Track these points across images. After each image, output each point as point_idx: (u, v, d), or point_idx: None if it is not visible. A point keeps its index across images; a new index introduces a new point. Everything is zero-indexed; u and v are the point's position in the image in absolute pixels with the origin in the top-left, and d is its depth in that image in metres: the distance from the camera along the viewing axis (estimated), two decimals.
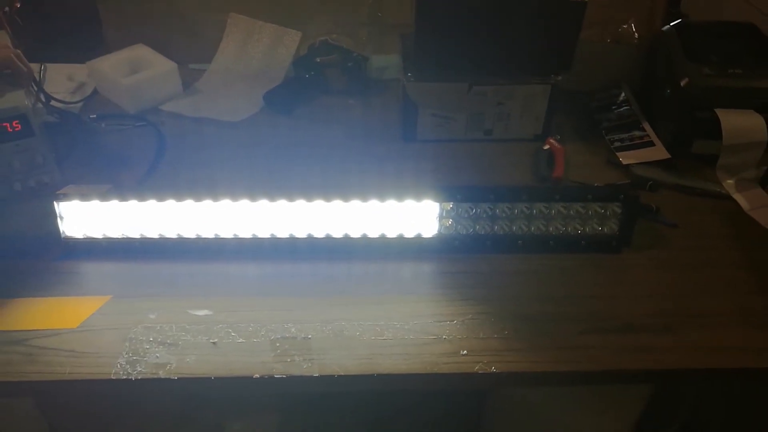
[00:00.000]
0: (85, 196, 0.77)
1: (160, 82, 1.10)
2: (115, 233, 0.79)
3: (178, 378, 0.65)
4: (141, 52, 1.13)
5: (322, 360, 0.66)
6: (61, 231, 0.79)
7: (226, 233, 0.79)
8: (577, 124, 1.06)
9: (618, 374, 0.68)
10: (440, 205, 0.78)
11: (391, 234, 0.79)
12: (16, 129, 0.83)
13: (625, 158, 0.96)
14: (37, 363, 0.66)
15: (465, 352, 0.67)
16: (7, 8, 1.05)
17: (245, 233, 0.79)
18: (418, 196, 0.77)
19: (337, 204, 0.77)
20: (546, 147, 0.98)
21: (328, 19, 1.17)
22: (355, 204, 0.77)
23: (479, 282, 0.76)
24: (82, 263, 0.79)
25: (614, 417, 1.04)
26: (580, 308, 0.73)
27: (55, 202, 0.78)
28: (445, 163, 0.99)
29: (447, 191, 0.77)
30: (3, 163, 0.84)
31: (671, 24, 1.01)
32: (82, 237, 0.80)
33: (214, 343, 0.68)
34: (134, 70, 1.09)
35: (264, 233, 0.79)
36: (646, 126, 1.01)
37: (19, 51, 0.90)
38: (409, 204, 0.77)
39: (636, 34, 1.09)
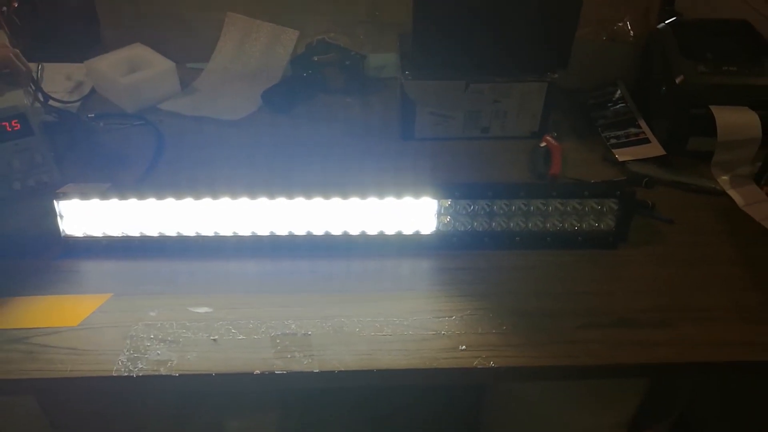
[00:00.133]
0: (84, 195, 0.78)
1: (158, 81, 1.10)
2: (115, 232, 0.80)
3: (179, 375, 0.65)
4: (139, 51, 1.13)
5: (322, 356, 0.67)
6: (61, 230, 0.79)
7: (226, 231, 0.79)
8: (574, 122, 1.07)
9: (615, 368, 0.68)
10: (438, 202, 0.78)
11: (390, 231, 0.80)
12: (16, 128, 0.84)
13: (621, 155, 0.97)
14: (38, 361, 0.66)
15: (464, 347, 0.68)
16: (4, 8, 1.05)
17: (245, 231, 0.79)
18: (417, 193, 0.77)
19: (336, 201, 0.77)
20: (543, 144, 0.99)
21: (325, 18, 1.18)
22: (354, 201, 0.77)
23: (477, 278, 0.77)
24: (83, 262, 0.79)
25: (611, 411, 1.05)
26: (577, 303, 0.74)
27: (54, 201, 0.78)
28: (443, 160, 0.99)
29: (445, 188, 0.78)
30: (3, 163, 0.85)
31: (666, 22, 1.02)
32: (82, 235, 0.80)
33: (214, 340, 0.69)
34: (132, 70, 1.10)
35: (263, 231, 0.79)
36: (642, 123, 1.02)
37: (17, 50, 0.90)
38: (408, 201, 0.78)
39: (631, 32, 1.09)
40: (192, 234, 0.80)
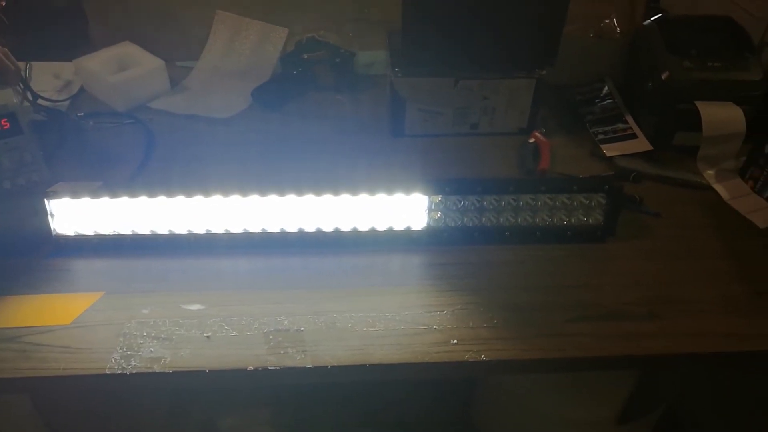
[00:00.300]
0: (75, 194, 0.78)
1: (147, 79, 1.10)
2: (107, 230, 0.80)
3: (172, 372, 0.65)
4: (128, 49, 1.13)
5: (314, 351, 0.67)
6: (52, 228, 0.79)
7: (218, 228, 0.80)
8: (562, 118, 1.08)
9: (604, 361, 0.69)
10: (429, 198, 0.79)
11: (381, 227, 0.80)
12: (5, 127, 0.83)
13: (609, 150, 0.98)
14: (31, 359, 0.66)
15: (455, 341, 0.69)
16: None
17: (236, 228, 0.80)
18: (408, 189, 0.78)
19: (328, 198, 0.78)
20: (531, 140, 1.00)
21: (314, 16, 1.18)
22: (346, 198, 0.78)
23: (468, 273, 0.78)
24: (74, 260, 0.79)
25: (600, 404, 1.06)
26: (566, 297, 0.75)
27: (45, 200, 0.78)
28: (433, 157, 1.00)
29: (435, 184, 0.79)
30: None
31: (652, 19, 1.03)
32: (73, 234, 0.80)
33: (207, 336, 0.69)
34: (121, 68, 1.09)
35: (255, 228, 0.80)
36: (629, 119, 1.03)
37: (5, 49, 0.90)
38: (399, 197, 0.78)
39: (618, 28, 1.10)
40: (184, 232, 0.80)
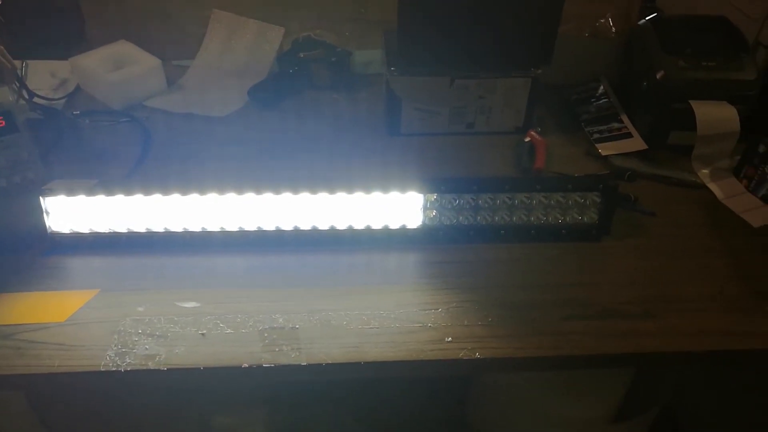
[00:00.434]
0: (71, 191, 0.78)
1: (144, 78, 1.10)
2: (102, 228, 0.80)
3: (167, 369, 0.65)
4: (124, 48, 1.13)
5: (309, 349, 0.67)
6: (47, 226, 0.79)
7: (213, 226, 0.80)
8: (558, 117, 1.08)
9: (599, 359, 0.69)
10: (424, 196, 0.79)
11: (377, 225, 0.80)
12: (1, 125, 0.83)
13: (604, 149, 0.98)
14: (26, 356, 0.66)
15: (450, 339, 0.69)
16: None
17: (232, 226, 0.80)
18: (403, 187, 0.78)
19: (323, 196, 0.78)
20: (527, 139, 1.00)
21: (311, 15, 1.18)
22: (341, 196, 0.78)
23: (463, 271, 0.78)
24: (69, 258, 0.79)
25: (596, 402, 1.06)
26: (561, 295, 0.75)
27: (40, 198, 0.78)
28: (428, 155, 1.00)
29: (431, 183, 0.79)
30: None
31: (647, 18, 1.03)
32: (68, 232, 0.80)
33: (202, 334, 0.69)
34: (118, 67, 1.09)
35: (251, 226, 0.80)
36: (624, 118, 1.03)
37: (2, 47, 0.90)
38: (394, 196, 0.78)
39: (613, 28, 1.11)
40: (179, 229, 0.80)
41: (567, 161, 0.98)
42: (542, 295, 0.75)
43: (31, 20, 1.14)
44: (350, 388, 1.21)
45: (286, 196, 0.78)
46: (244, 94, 1.11)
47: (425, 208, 0.80)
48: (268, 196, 0.78)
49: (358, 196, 0.78)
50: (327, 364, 0.66)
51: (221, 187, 0.77)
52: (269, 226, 0.80)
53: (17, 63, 0.98)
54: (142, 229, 0.80)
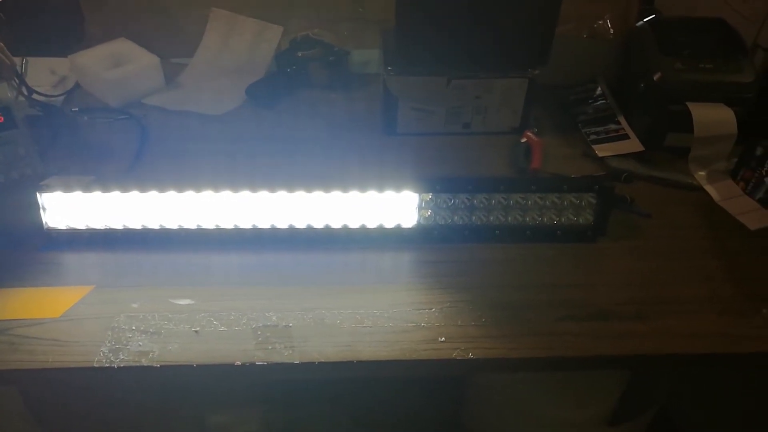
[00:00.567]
0: (68, 188, 0.78)
1: (142, 76, 1.10)
2: (98, 224, 0.80)
3: (160, 366, 0.65)
4: (123, 46, 1.13)
5: (302, 347, 0.67)
6: (44, 222, 0.80)
7: (209, 224, 0.80)
8: (555, 118, 1.08)
9: (594, 360, 0.69)
10: (420, 196, 0.79)
11: (372, 224, 0.80)
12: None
13: (601, 151, 0.98)
14: (20, 352, 0.66)
15: (443, 338, 0.69)
16: None
17: (227, 224, 0.80)
18: (398, 187, 0.78)
19: (318, 195, 0.78)
20: (523, 140, 1.00)
21: (309, 15, 1.18)
22: (336, 195, 0.78)
23: (457, 271, 0.78)
24: (65, 254, 0.80)
25: (591, 404, 1.06)
26: (556, 296, 0.75)
27: (37, 193, 0.78)
28: (424, 155, 1.00)
29: (426, 182, 0.79)
30: None
31: (645, 20, 1.03)
32: (65, 228, 0.80)
33: (196, 331, 0.69)
34: (116, 64, 1.10)
35: (246, 224, 0.80)
36: (622, 119, 1.03)
37: (1, 44, 0.90)
38: (389, 195, 0.78)
39: (611, 29, 1.11)
40: (175, 227, 0.80)
41: (563, 162, 0.98)
42: (537, 296, 0.75)
43: (31, 18, 1.15)
44: (345, 388, 1.21)
45: (282, 195, 0.78)
46: (242, 93, 1.11)
47: (420, 208, 0.80)
48: (263, 195, 0.78)
49: (354, 195, 0.78)
50: (320, 363, 0.66)
51: (217, 184, 0.78)
52: (264, 224, 0.80)
53: (17, 60, 0.98)
54: (137, 226, 0.80)
